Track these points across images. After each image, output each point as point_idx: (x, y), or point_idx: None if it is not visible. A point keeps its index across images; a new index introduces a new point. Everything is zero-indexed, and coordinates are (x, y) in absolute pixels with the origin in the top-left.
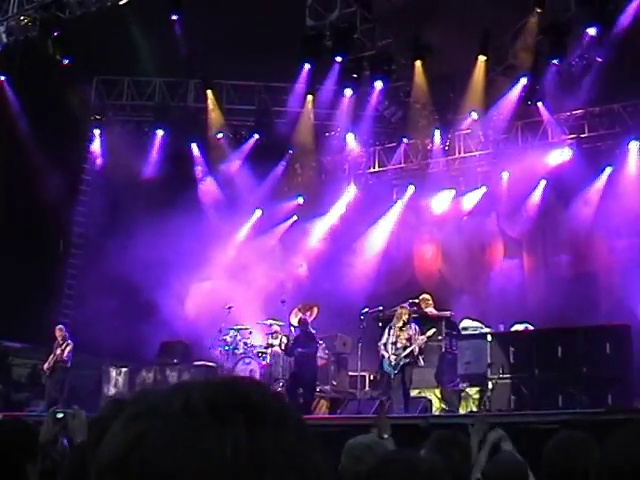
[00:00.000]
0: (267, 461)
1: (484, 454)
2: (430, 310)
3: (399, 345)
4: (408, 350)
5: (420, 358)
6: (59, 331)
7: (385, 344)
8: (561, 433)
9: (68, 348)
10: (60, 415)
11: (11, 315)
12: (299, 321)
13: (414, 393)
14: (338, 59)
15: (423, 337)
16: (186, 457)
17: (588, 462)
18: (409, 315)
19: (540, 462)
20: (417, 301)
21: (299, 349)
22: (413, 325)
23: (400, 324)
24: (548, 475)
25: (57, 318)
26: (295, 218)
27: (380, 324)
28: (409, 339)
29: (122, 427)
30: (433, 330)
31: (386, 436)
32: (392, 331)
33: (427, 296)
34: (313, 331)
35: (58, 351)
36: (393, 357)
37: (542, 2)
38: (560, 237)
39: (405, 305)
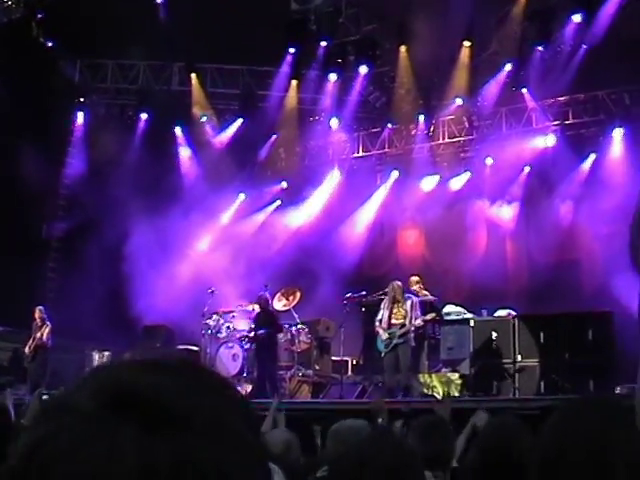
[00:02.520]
0: (161, 473)
1: (462, 439)
2: (424, 293)
3: (394, 321)
4: (404, 329)
5: (411, 337)
6: (38, 312)
7: (380, 320)
8: (495, 419)
9: (47, 330)
10: (46, 397)
11: None
12: (258, 299)
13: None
14: (323, 43)
15: (420, 320)
16: (79, 468)
17: (521, 447)
18: (402, 291)
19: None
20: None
21: (259, 331)
22: (410, 301)
23: (394, 300)
24: (482, 461)
25: (39, 301)
26: (279, 202)
27: (363, 309)
28: (405, 316)
29: (28, 429)
30: (433, 315)
31: (380, 420)
32: (386, 305)
33: (416, 278)
34: (276, 310)
35: (38, 334)
36: (386, 335)
37: None
38: (543, 223)
39: (397, 282)
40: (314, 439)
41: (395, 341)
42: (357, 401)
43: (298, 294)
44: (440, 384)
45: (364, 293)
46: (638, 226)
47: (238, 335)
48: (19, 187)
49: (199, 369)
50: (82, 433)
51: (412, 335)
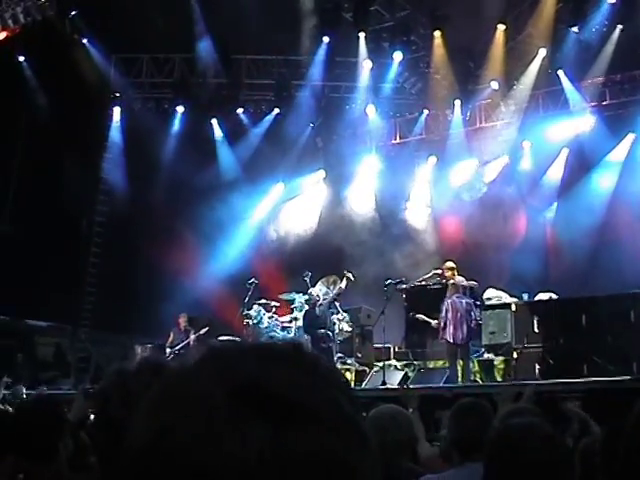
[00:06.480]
0: (294, 466)
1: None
2: (459, 279)
3: None
4: None
5: None
6: (183, 319)
7: None
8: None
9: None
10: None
11: (35, 294)
12: (309, 300)
13: (439, 364)
14: (358, 32)
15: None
16: (210, 457)
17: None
18: (452, 273)
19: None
20: (440, 271)
21: (314, 330)
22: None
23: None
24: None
25: (82, 297)
26: (317, 191)
27: (404, 295)
28: None
29: (148, 414)
30: None
31: (411, 410)
32: None
33: (451, 264)
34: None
35: (192, 337)
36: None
37: None
38: (583, 204)
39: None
40: None
41: None
42: (400, 388)
43: (339, 282)
44: (482, 369)
45: (404, 279)
46: None
47: (279, 325)
48: (57, 184)
49: (312, 358)
50: (212, 422)
51: None
